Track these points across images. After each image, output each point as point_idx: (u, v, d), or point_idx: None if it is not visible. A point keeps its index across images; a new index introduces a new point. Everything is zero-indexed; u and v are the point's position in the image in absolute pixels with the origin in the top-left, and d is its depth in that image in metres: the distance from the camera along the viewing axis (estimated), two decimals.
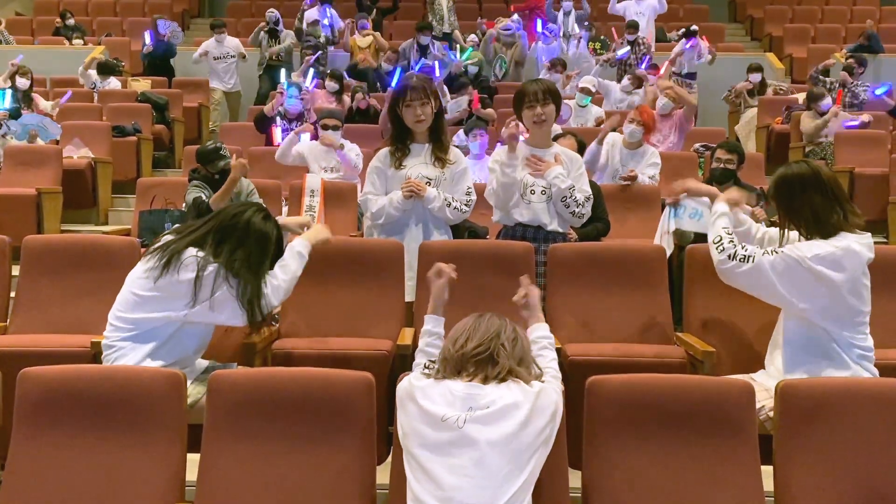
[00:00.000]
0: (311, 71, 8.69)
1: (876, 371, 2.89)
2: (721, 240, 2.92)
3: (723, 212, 3.01)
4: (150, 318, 2.83)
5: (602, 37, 9.89)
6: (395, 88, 4.01)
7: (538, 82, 3.89)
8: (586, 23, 10.33)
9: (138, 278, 2.86)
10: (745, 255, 2.85)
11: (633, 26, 9.87)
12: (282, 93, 7.62)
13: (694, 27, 9.77)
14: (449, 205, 3.85)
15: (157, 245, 2.88)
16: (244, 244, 2.83)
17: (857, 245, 2.80)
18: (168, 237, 2.92)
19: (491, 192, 3.91)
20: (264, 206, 3.04)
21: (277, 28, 9.93)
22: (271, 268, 2.93)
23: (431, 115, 3.86)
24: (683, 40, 9.61)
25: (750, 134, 9.11)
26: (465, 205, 3.89)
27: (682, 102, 7.16)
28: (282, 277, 2.92)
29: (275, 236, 2.92)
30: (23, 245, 3.74)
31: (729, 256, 2.87)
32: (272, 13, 10.01)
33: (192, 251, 2.80)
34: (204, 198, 4.89)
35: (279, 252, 2.97)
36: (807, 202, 2.84)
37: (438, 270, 2.74)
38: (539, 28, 9.98)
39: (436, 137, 3.90)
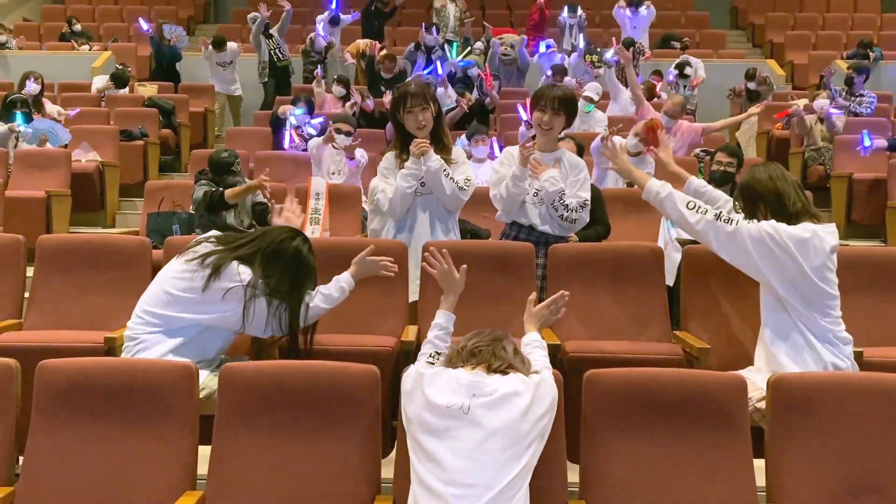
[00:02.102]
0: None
1: (850, 357, 2.99)
2: (696, 205, 3.07)
3: (669, 190, 3.18)
4: (179, 318, 2.91)
5: (598, 49, 9.95)
6: (395, 95, 4.07)
7: (556, 88, 3.94)
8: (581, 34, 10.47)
9: (174, 278, 2.94)
10: (729, 218, 3.00)
11: (629, 44, 9.99)
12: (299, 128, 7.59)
13: (688, 71, 9.85)
14: (447, 174, 3.89)
15: (199, 252, 2.94)
16: (290, 271, 2.96)
17: (822, 232, 2.95)
18: (210, 245, 2.98)
19: (498, 198, 3.95)
20: (304, 233, 3.13)
21: (270, 31, 10.01)
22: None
23: (432, 120, 3.92)
24: (672, 71, 9.85)
25: (750, 140, 9.19)
26: (464, 185, 3.92)
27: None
28: (322, 306, 3.07)
29: (315, 266, 3.06)
30: (37, 244, 3.82)
31: (715, 216, 3.01)
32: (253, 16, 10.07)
33: (236, 266, 2.90)
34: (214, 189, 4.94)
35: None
36: (771, 188, 3.01)
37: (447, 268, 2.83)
38: (542, 49, 10.05)
39: (437, 139, 3.97)
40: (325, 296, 3.08)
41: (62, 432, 2.55)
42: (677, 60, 10.07)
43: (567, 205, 3.86)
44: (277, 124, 7.71)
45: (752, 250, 2.95)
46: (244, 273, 2.90)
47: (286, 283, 2.95)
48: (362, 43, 10.11)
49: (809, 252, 2.91)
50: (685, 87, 9.78)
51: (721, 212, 3.06)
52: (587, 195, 3.93)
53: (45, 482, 2.51)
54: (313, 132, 7.31)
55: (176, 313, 2.91)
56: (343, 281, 3.14)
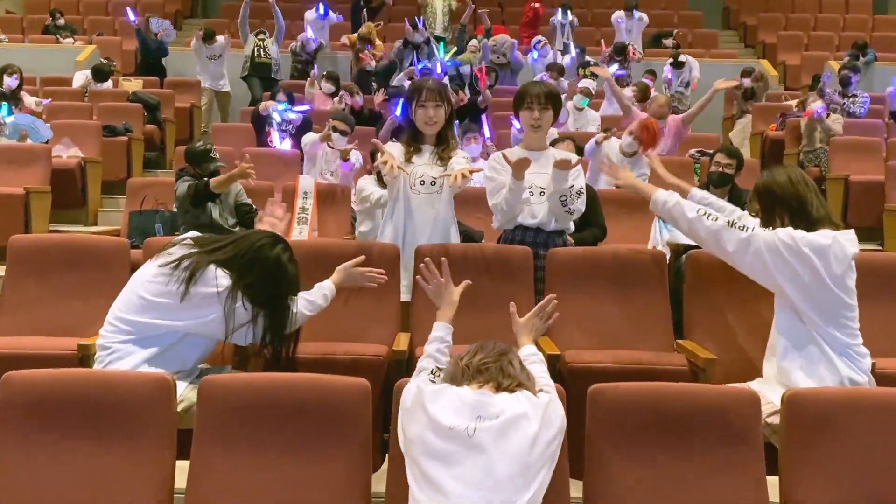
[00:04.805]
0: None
1: (868, 371, 2.88)
2: (707, 212, 2.96)
3: (677, 199, 3.07)
4: (154, 325, 2.74)
5: (593, 61, 9.87)
6: (411, 88, 3.93)
7: (540, 84, 3.85)
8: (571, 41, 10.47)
9: (148, 282, 2.76)
10: (744, 225, 2.89)
11: (620, 52, 9.93)
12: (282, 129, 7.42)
13: (682, 58, 9.94)
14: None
15: (174, 255, 2.78)
16: (269, 279, 2.79)
17: (842, 239, 2.84)
18: (185, 247, 2.82)
19: (499, 209, 3.78)
20: (285, 239, 2.96)
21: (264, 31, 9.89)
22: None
23: (443, 120, 3.82)
24: (669, 67, 9.87)
25: (744, 141, 9.13)
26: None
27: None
28: (305, 313, 2.92)
29: (297, 275, 2.90)
30: (9, 245, 3.67)
31: (728, 223, 2.90)
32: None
33: (213, 270, 2.73)
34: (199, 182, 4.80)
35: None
36: (792, 193, 2.89)
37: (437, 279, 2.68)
38: (535, 56, 9.98)
39: (442, 140, 3.85)
40: (308, 302, 2.93)
41: (32, 447, 2.41)
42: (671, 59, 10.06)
43: (572, 196, 3.73)
44: (260, 122, 7.54)
45: (767, 259, 2.83)
46: (222, 278, 2.74)
47: (266, 291, 2.79)
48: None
49: (830, 259, 2.80)
50: (682, 83, 9.71)
51: (733, 219, 2.94)
52: (583, 184, 3.84)
53: (12, 500, 2.36)
54: (292, 116, 7.15)
55: (151, 319, 2.74)
56: (326, 289, 3.01)
